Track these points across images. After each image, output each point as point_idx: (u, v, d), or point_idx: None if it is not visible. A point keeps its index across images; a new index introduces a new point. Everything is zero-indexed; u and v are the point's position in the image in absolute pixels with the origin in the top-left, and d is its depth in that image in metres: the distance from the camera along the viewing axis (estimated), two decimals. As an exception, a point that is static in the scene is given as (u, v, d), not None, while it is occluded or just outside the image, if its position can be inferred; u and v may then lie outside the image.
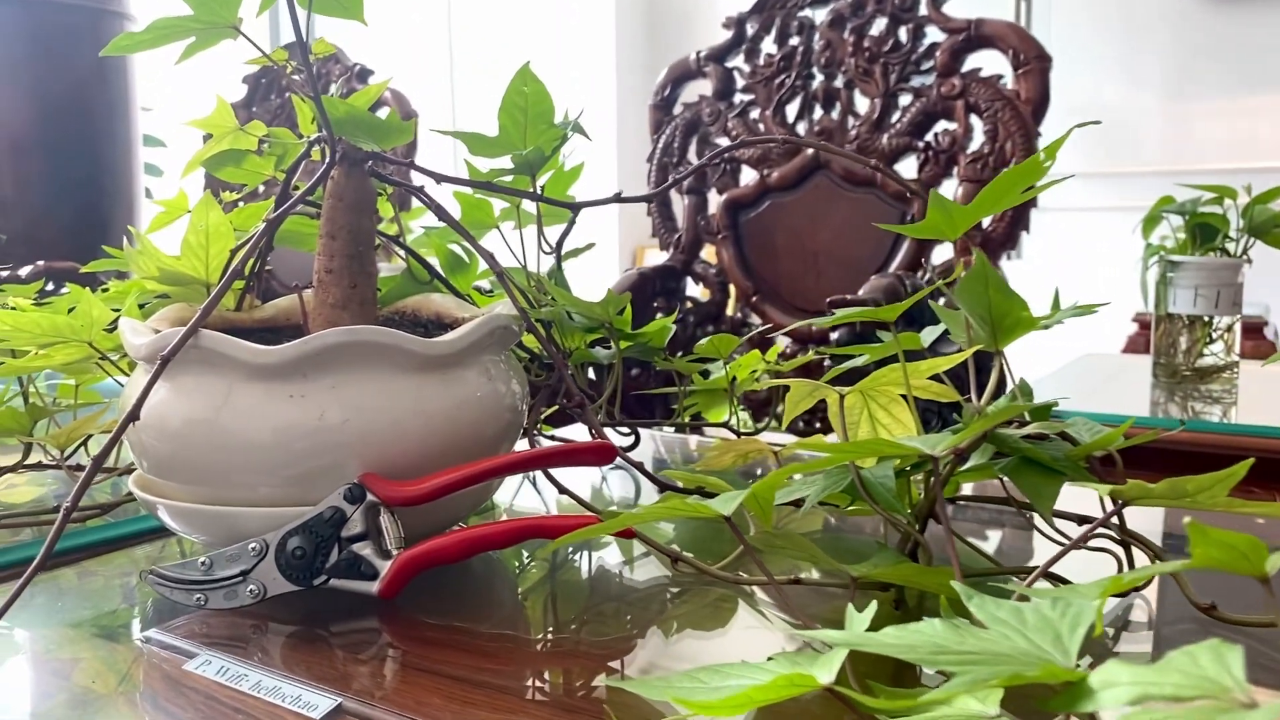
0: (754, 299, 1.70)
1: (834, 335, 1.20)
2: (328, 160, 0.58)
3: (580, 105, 0.73)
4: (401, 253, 0.71)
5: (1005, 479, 0.57)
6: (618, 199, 0.65)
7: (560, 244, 0.68)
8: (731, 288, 1.74)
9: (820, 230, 1.67)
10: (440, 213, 0.61)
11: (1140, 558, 0.53)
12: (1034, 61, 1.52)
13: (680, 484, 0.61)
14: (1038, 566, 0.53)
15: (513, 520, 0.54)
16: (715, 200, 1.77)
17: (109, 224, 2.33)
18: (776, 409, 1.35)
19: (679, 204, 1.82)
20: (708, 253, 1.80)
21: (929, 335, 0.59)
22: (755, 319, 1.72)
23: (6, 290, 0.84)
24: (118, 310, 0.68)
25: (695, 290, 1.82)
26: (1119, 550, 0.52)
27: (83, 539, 0.68)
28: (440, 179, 0.62)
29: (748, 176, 1.74)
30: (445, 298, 0.70)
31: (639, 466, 0.60)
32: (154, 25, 0.54)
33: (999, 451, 0.52)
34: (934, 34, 1.61)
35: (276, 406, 0.53)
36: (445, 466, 0.55)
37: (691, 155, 1.78)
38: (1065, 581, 0.51)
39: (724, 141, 1.76)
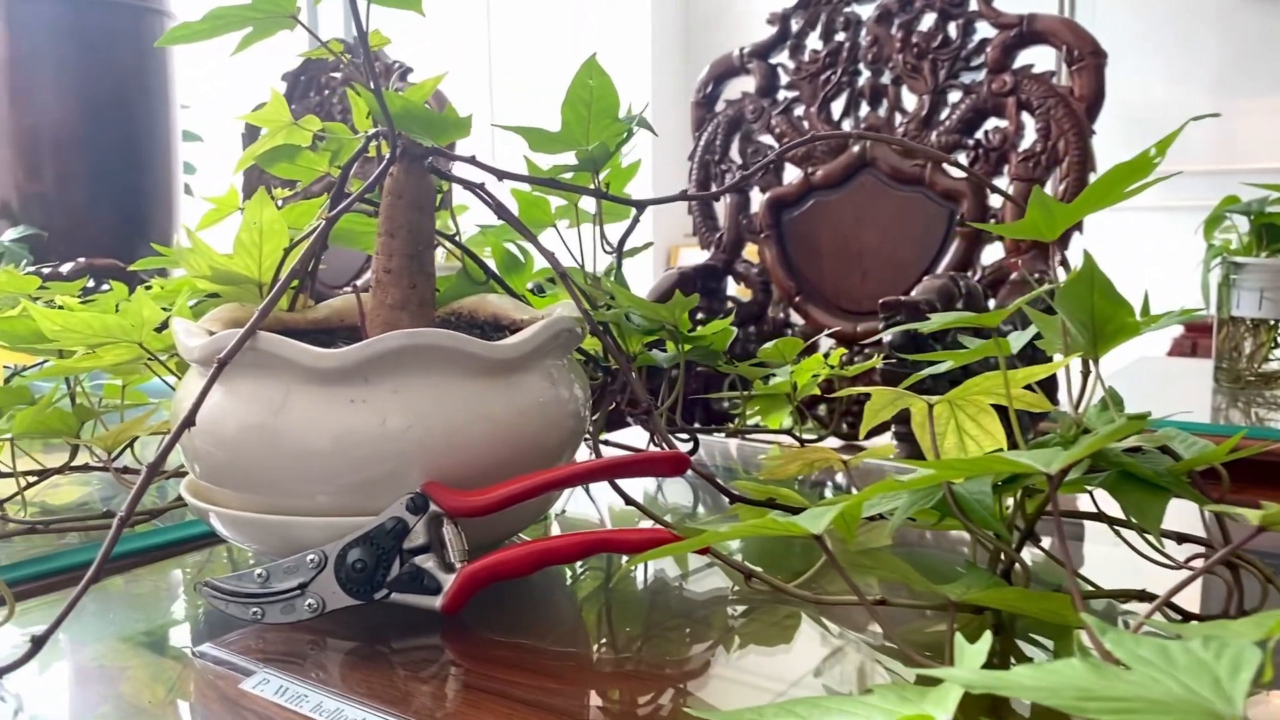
0: (796, 299, 1.67)
1: (886, 338, 1.17)
2: (388, 156, 0.56)
3: (639, 101, 0.70)
4: (457, 252, 0.68)
5: (1094, 493, 0.54)
6: (683, 196, 0.62)
7: (623, 242, 0.65)
8: (774, 288, 1.71)
9: (865, 229, 1.64)
10: (502, 211, 0.59)
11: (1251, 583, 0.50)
12: (1089, 58, 1.47)
13: (751, 496, 0.58)
14: (1144, 590, 0.50)
15: (582, 533, 0.51)
16: (757, 198, 1.74)
17: (148, 221, 2.33)
18: (816, 410, 1.32)
19: (720, 202, 1.79)
20: (749, 252, 1.77)
21: (1018, 340, 0.56)
22: (797, 319, 1.68)
23: (51, 288, 0.82)
24: (167, 310, 0.66)
25: (735, 290, 1.79)
26: (1224, 572, 0.48)
27: (131, 544, 0.66)
28: (502, 175, 0.59)
29: (791, 175, 1.71)
30: (502, 299, 0.68)
31: (709, 478, 0.57)
32: (211, 14, 0.52)
33: (1093, 465, 0.49)
34: (984, 29, 1.57)
35: (336, 412, 0.51)
36: (507, 475, 0.52)
37: (734, 152, 1.75)
38: (1176, 609, 0.48)
39: (767, 139, 1.73)
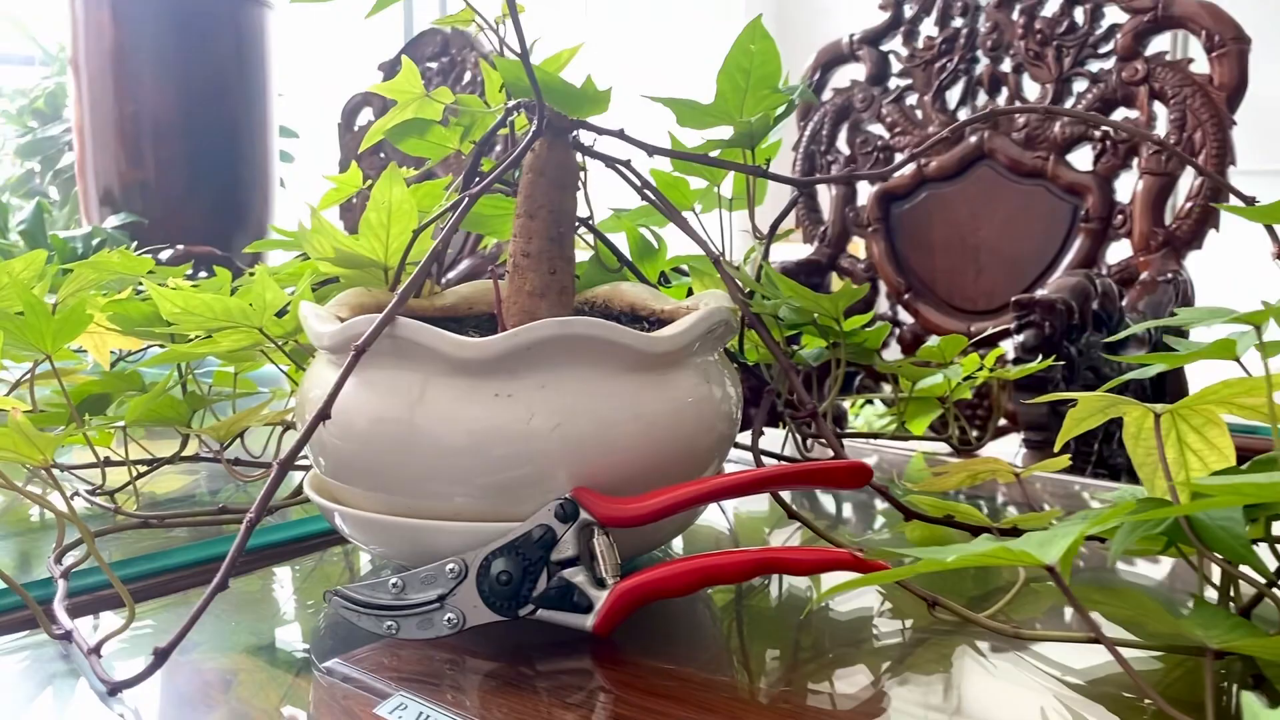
0: (906, 296, 1.59)
1: (1019, 338, 1.09)
2: (531, 130, 0.50)
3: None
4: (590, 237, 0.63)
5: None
6: (851, 177, 0.55)
7: (776, 225, 0.59)
8: (881, 284, 1.64)
9: (982, 224, 1.55)
10: (649, 191, 0.53)
11: None
12: (1231, 43, 1.37)
13: (928, 512, 0.52)
14: None
15: (750, 551, 0.45)
16: (865, 190, 1.67)
17: (245, 209, 2.33)
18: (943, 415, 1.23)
19: (825, 194, 1.72)
20: (854, 246, 1.69)
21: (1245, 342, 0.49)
22: (906, 317, 1.61)
23: (159, 271, 0.78)
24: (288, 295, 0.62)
25: (837, 285, 1.71)
26: None
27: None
28: (654, 151, 0.54)
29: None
30: (637, 287, 0.62)
31: (883, 491, 0.51)
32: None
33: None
34: (1113, 14, 1.48)
35: (480, 407, 0.46)
36: (656, 482, 0.47)
37: (841, 142, 1.68)
38: None
39: (877, 128, 1.65)
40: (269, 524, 0.64)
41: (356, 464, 0.49)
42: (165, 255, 2.01)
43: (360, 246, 0.59)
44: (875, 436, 0.69)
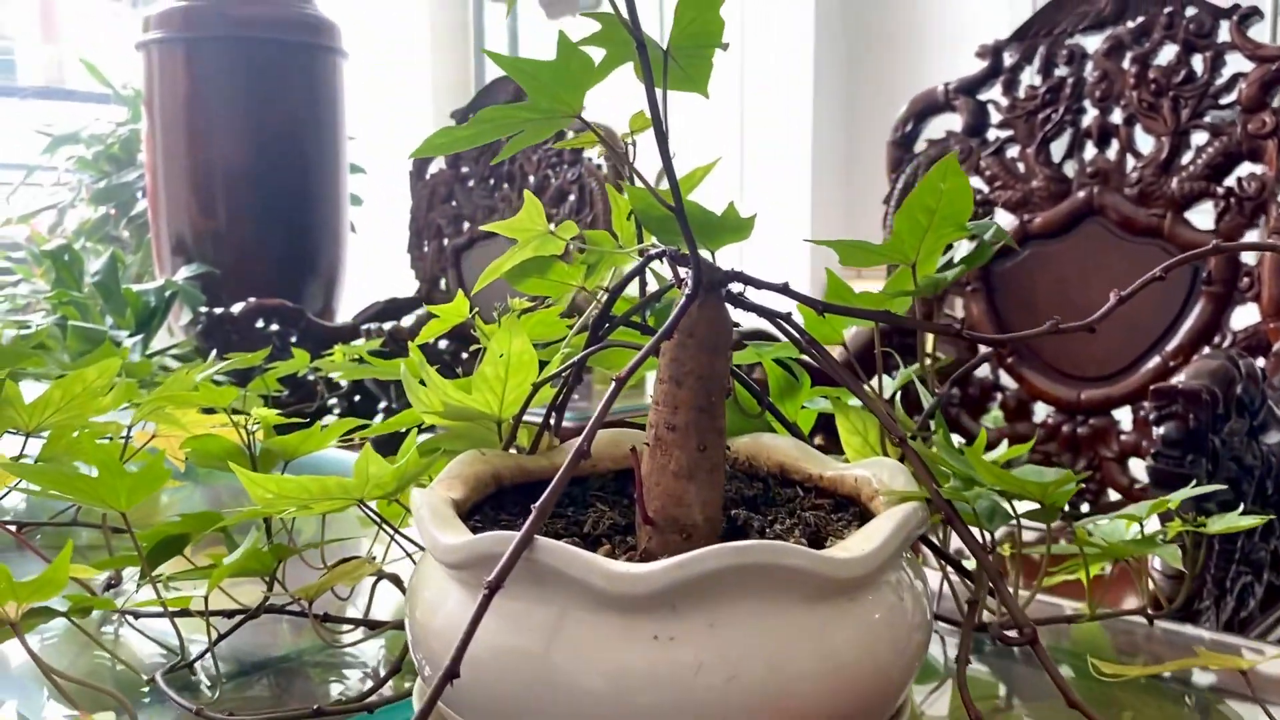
0: (1009, 360, 1.48)
1: (1159, 431, 0.98)
2: (685, 296, 0.42)
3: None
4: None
5: None
6: (1043, 333, 0.46)
7: (954, 382, 0.50)
8: (980, 346, 1.53)
9: (1091, 284, 1.44)
10: (823, 365, 0.44)
11: None
12: (1372, 94, 1.25)
13: None
14: None
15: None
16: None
17: (316, 256, 2.27)
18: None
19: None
20: (950, 305, 1.59)
21: None
22: (1009, 382, 1.50)
23: (246, 402, 0.70)
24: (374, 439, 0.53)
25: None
26: None
27: (337, 728, 0.53)
28: (825, 309, 0.45)
29: (1002, 220, 1.52)
30: (785, 442, 0.53)
31: (1053, 672, 0.41)
32: (480, 118, 0.39)
33: None
34: (1235, 63, 1.36)
35: (635, 652, 0.37)
36: (841, 721, 0.38)
37: (935, 197, 1.58)
38: None
39: (976, 182, 1.55)
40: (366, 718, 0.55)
41: (473, 697, 0.40)
42: (238, 309, 1.96)
43: (474, 401, 0.51)
44: (1070, 621, 0.59)
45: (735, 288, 0.47)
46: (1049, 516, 0.46)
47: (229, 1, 2.17)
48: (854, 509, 0.48)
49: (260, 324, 2.00)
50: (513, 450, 0.53)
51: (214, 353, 1.76)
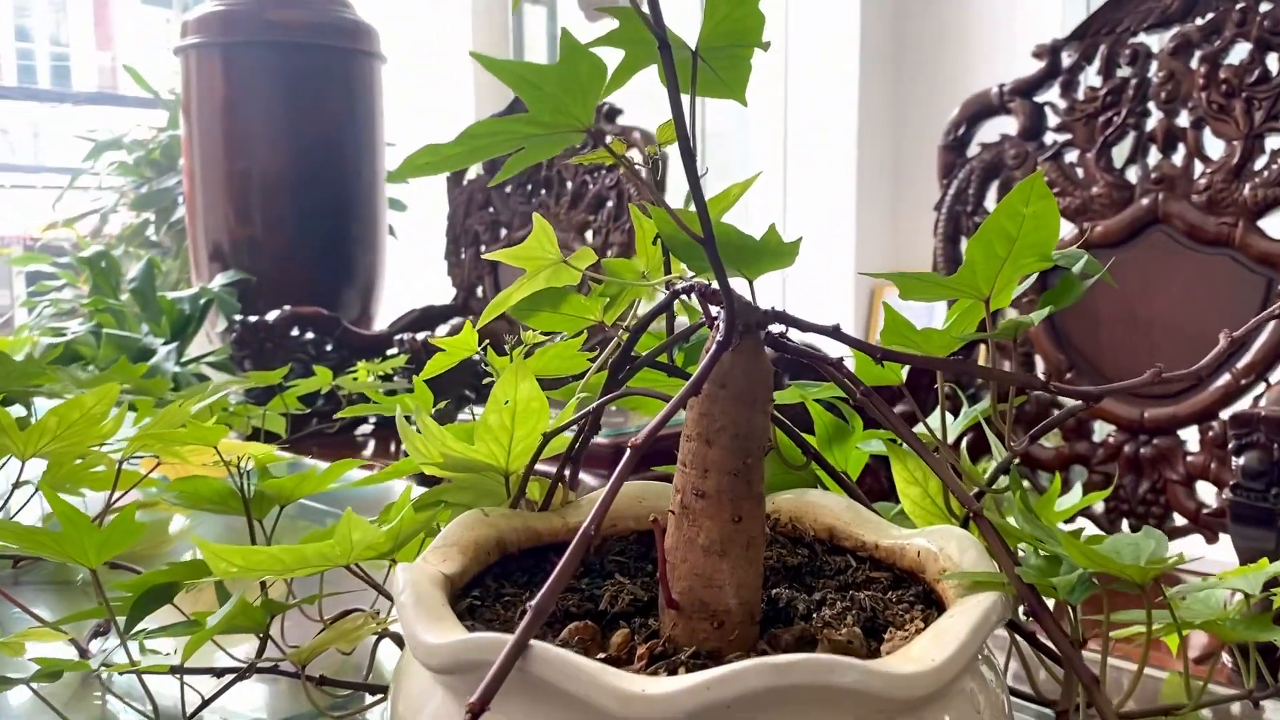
0: (1068, 376, 1.39)
1: (1239, 461, 0.89)
2: (717, 343, 0.35)
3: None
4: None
5: None
6: (1061, 391, 0.38)
7: (1037, 437, 0.42)
8: (1038, 359, 1.44)
9: (1156, 296, 1.34)
10: (876, 411, 0.37)
11: None
12: None
13: None
14: None
15: None
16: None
17: (353, 263, 2.23)
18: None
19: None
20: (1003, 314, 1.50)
21: None
22: (1067, 399, 1.40)
23: (258, 456, 0.64)
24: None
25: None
26: None
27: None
28: (884, 357, 0.37)
29: (1063, 229, 1.43)
30: (833, 500, 0.46)
31: None
32: (470, 133, 0.32)
33: None
34: (1315, 60, 1.26)
35: (653, 789, 0.30)
36: None
37: (989, 201, 1.49)
38: None
39: (1031, 189, 1.46)
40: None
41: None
42: (272, 317, 1.92)
43: (476, 452, 0.44)
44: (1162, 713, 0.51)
45: (776, 327, 0.40)
46: (1146, 604, 0.38)
47: (266, 6, 2.13)
48: (916, 587, 0.41)
49: (295, 332, 1.95)
50: (521, 505, 0.46)
51: (244, 362, 1.71)
